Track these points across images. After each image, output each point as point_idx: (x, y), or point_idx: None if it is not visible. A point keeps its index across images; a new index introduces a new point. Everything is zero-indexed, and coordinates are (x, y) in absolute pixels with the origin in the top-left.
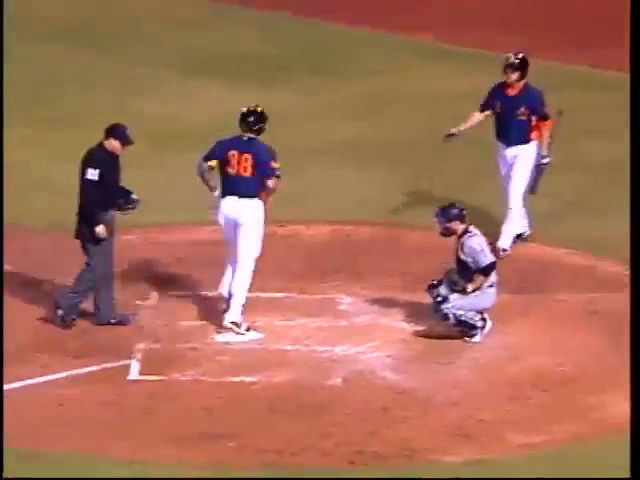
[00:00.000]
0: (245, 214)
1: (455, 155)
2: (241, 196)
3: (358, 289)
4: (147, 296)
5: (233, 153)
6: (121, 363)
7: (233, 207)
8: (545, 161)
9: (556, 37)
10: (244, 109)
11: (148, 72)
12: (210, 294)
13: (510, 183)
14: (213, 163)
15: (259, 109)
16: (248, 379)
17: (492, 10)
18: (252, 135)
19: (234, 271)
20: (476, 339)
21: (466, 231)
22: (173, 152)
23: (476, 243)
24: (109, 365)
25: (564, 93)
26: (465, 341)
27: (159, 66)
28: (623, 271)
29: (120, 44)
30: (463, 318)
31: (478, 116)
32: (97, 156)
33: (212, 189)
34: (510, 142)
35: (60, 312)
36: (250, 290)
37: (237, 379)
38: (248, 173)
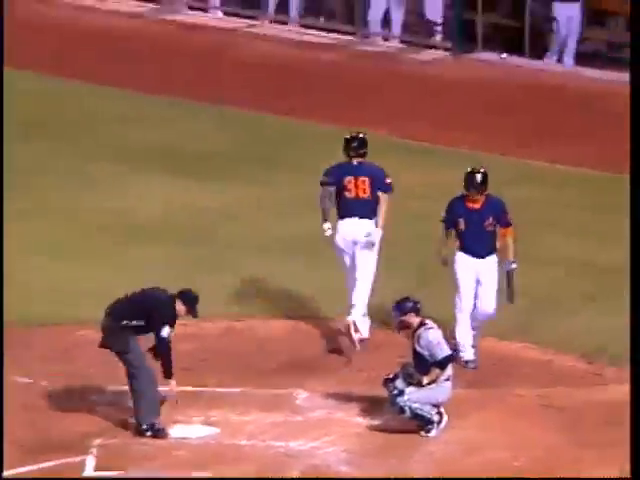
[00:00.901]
0: (368, 234)
1: (407, 252)
2: (361, 217)
3: (314, 383)
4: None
5: (349, 179)
6: (76, 459)
7: (354, 228)
8: (514, 266)
9: (506, 132)
10: (347, 136)
11: (99, 166)
12: (164, 388)
13: (484, 296)
14: (332, 189)
15: (361, 135)
16: (204, 474)
17: (443, 105)
18: (360, 159)
19: (354, 289)
20: (432, 433)
21: (422, 324)
22: (121, 246)
23: (432, 336)
24: (64, 461)
25: (516, 188)
26: (421, 435)
27: (110, 160)
28: (580, 365)
29: (73, 139)
30: (419, 412)
31: (451, 234)
32: (169, 312)
33: (325, 219)
34: (482, 254)
35: (145, 427)
36: (204, 385)
37: (193, 474)
38: (366, 195)
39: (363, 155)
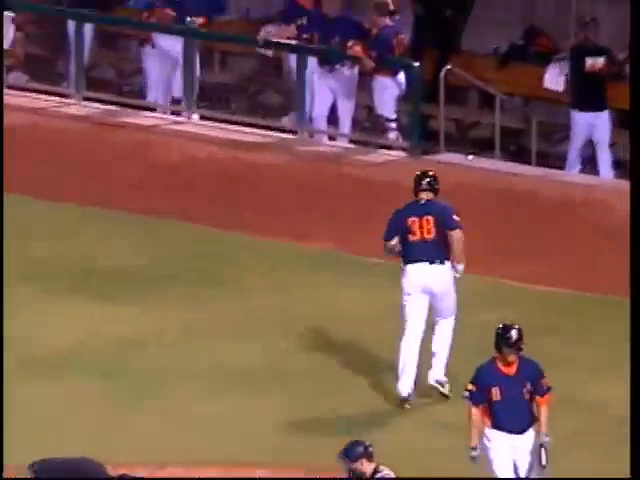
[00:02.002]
0: (443, 281)
1: (355, 384)
2: (431, 261)
3: None
4: None
5: (413, 219)
6: None
7: (426, 275)
8: (547, 440)
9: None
10: (418, 172)
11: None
12: None
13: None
14: (394, 241)
15: (430, 172)
16: None
17: None
18: (429, 197)
19: (435, 332)
20: None
21: (375, 471)
22: (17, 382)
23: None
24: None
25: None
26: None
27: (10, 280)
28: None
29: None
30: None
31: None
32: None
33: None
34: (524, 430)
35: None
36: None
37: None
38: (432, 235)
39: (436, 192)
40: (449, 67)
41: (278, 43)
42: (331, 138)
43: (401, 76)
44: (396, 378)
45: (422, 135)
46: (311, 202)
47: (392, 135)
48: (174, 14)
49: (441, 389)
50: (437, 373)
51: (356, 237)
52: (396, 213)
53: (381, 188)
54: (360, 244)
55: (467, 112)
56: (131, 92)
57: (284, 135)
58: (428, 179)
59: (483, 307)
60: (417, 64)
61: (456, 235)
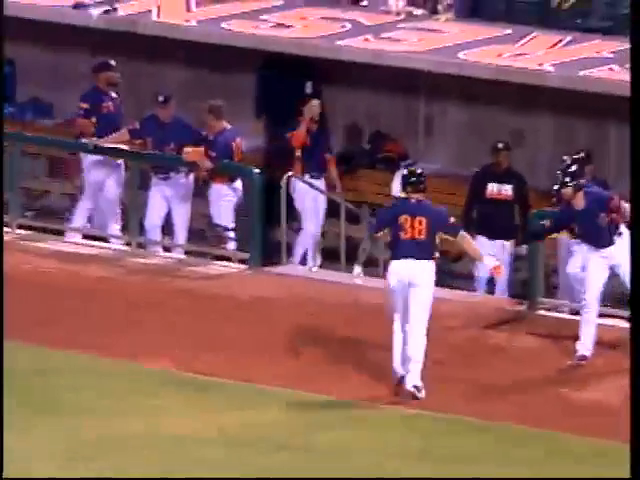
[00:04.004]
0: (422, 276)
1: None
2: (417, 258)
3: None
4: None
5: (405, 217)
6: None
7: (410, 269)
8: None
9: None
10: (405, 171)
11: None
12: None
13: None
14: (383, 233)
15: (418, 170)
16: None
17: (237, 330)
18: (419, 197)
19: (409, 335)
20: None
21: None
22: None
23: None
24: None
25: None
26: None
27: None
28: None
29: None
30: None
31: None
32: None
33: (359, 262)
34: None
35: None
36: None
37: None
38: (423, 236)
39: (424, 190)
40: (290, 174)
41: (109, 148)
42: (166, 249)
43: (238, 183)
44: (393, 361)
45: (263, 245)
46: (145, 319)
47: (230, 245)
48: None
49: (417, 394)
50: (414, 378)
51: (193, 356)
52: (387, 209)
53: (219, 302)
54: (198, 362)
55: None
56: None
57: (115, 246)
58: (416, 178)
59: (333, 427)
60: (257, 171)
61: (463, 237)
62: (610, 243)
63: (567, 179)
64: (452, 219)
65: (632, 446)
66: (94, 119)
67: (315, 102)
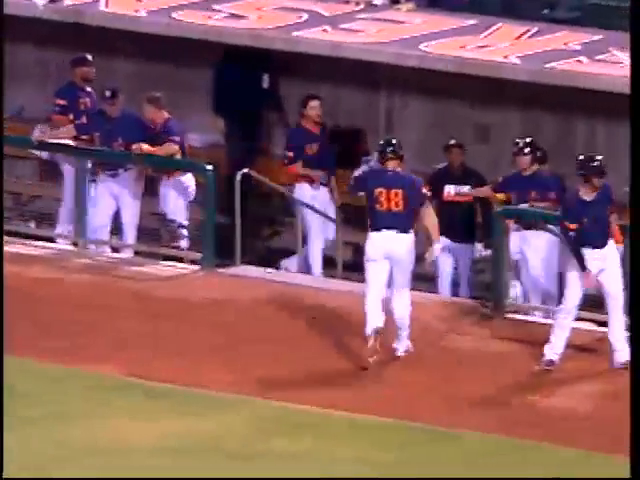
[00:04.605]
0: (401, 248)
1: None
2: (396, 231)
3: None
4: None
5: (380, 190)
6: None
7: (388, 241)
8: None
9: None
10: (381, 141)
11: None
12: None
13: None
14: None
15: (394, 140)
16: None
17: (190, 334)
18: (395, 166)
19: (395, 303)
20: None
21: None
22: None
23: None
24: None
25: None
26: None
27: None
28: None
29: None
30: None
31: None
32: None
33: None
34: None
35: None
36: None
37: None
38: (400, 208)
39: (401, 158)
40: (245, 171)
41: (54, 144)
42: (114, 249)
43: (187, 177)
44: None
45: (216, 246)
46: (92, 322)
47: (183, 243)
48: None
49: (410, 350)
50: (404, 343)
51: (141, 361)
52: (363, 180)
53: (170, 305)
54: (146, 368)
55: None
56: None
57: (60, 247)
58: (392, 147)
59: (286, 434)
60: (210, 167)
61: (427, 212)
62: (604, 244)
63: (525, 148)
64: (424, 190)
65: (632, 446)
66: (71, 116)
67: (314, 103)
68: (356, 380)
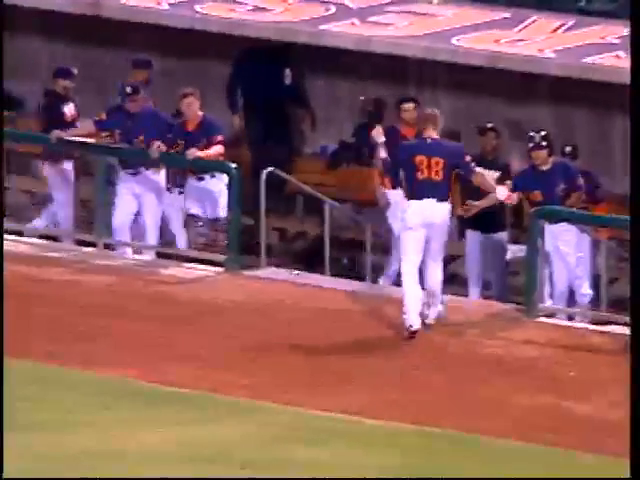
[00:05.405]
0: (440, 217)
1: None
2: (435, 199)
3: None
4: None
5: (421, 158)
6: None
7: (429, 209)
8: None
9: None
10: (427, 110)
11: None
12: None
13: None
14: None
15: (429, 110)
16: None
17: (210, 337)
18: (433, 135)
19: (429, 271)
20: None
21: None
22: None
23: None
24: None
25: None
26: None
27: None
28: None
29: None
30: None
31: None
32: None
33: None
34: None
35: None
36: None
37: None
38: (440, 177)
39: (436, 127)
40: (271, 169)
41: (73, 142)
42: (136, 251)
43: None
44: (403, 312)
45: (241, 247)
46: (111, 326)
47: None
48: None
49: (441, 318)
50: (436, 311)
51: (162, 364)
52: (402, 149)
53: (190, 307)
54: (163, 371)
55: (292, 221)
56: None
57: (80, 247)
58: (430, 117)
59: (301, 441)
60: (235, 166)
61: (477, 175)
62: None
63: (543, 141)
64: (468, 157)
65: (632, 446)
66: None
67: (408, 106)
68: (382, 385)
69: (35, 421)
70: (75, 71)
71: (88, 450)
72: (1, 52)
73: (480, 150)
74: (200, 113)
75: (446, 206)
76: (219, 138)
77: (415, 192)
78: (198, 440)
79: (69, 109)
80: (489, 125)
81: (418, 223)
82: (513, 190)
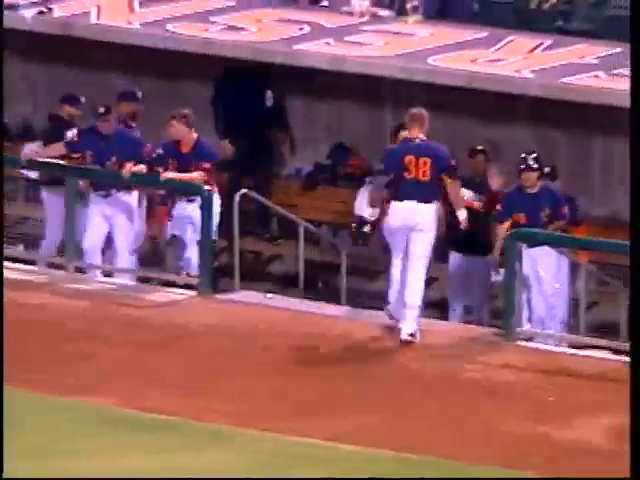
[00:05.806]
0: (424, 219)
1: None
2: (420, 201)
3: None
4: None
5: (410, 158)
6: None
7: (411, 212)
8: None
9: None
10: (413, 110)
11: None
12: None
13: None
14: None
15: (414, 110)
16: None
17: (186, 363)
18: (420, 136)
19: (407, 280)
20: None
21: None
22: None
23: None
24: None
25: None
26: None
27: None
28: None
29: None
30: None
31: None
32: None
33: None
34: None
35: None
36: None
37: None
38: (427, 178)
39: (423, 126)
40: (244, 191)
41: (44, 163)
42: (107, 274)
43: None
44: (395, 317)
45: (213, 270)
46: (85, 351)
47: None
48: None
49: (413, 340)
50: (410, 326)
51: (141, 390)
52: (392, 150)
53: (166, 332)
54: (140, 398)
55: (262, 243)
56: None
57: (49, 271)
58: (417, 116)
59: (283, 468)
60: (207, 188)
61: (455, 184)
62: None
63: (534, 164)
64: (453, 161)
65: (632, 447)
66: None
67: (405, 133)
68: (361, 410)
69: (19, 449)
70: (83, 99)
71: (71, 478)
72: (1, 79)
73: (470, 172)
74: (195, 135)
75: (431, 207)
76: (206, 165)
77: (400, 193)
78: (181, 467)
79: (72, 135)
80: (479, 147)
81: (398, 226)
82: (504, 216)
